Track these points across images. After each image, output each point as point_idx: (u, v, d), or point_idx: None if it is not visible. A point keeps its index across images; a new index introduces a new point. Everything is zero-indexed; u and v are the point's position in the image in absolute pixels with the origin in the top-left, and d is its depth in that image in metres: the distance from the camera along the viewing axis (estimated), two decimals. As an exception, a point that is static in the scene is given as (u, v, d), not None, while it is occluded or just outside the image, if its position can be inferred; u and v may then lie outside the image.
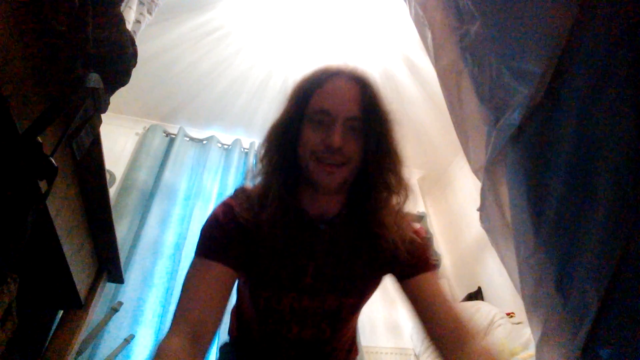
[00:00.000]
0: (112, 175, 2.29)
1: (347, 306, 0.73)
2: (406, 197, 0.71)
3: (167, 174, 2.38)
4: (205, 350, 0.59)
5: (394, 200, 0.69)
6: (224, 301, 0.64)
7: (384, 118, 0.66)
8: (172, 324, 0.60)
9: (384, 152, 0.66)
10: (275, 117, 0.73)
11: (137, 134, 2.64)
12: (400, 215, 0.70)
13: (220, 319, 0.63)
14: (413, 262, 0.72)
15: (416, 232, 0.75)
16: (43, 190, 0.53)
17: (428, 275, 0.73)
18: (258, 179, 0.72)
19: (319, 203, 0.70)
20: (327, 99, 0.64)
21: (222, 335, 0.93)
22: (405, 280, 0.73)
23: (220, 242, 0.67)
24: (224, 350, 0.89)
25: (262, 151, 0.73)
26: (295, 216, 0.68)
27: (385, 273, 0.76)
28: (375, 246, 0.69)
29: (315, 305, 0.71)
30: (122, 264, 1.26)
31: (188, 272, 0.66)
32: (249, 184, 0.74)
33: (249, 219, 0.66)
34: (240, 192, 0.73)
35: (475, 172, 0.75)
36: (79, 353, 1.47)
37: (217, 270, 0.64)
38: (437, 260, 2.69)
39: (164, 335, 0.59)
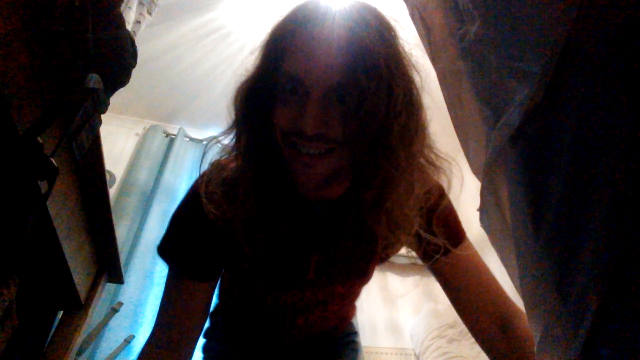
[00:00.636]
0: (112, 175, 2.29)
1: (354, 285, 0.66)
2: (432, 172, 0.50)
3: (167, 175, 2.38)
4: (187, 356, 0.57)
5: (406, 177, 0.51)
6: (204, 314, 0.60)
7: (392, 74, 0.44)
8: (151, 336, 0.57)
9: (396, 125, 0.45)
10: (248, 70, 0.52)
11: (137, 134, 2.64)
12: (412, 203, 0.54)
13: (200, 329, 0.60)
14: (434, 241, 0.60)
15: (439, 201, 0.60)
16: (43, 191, 0.53)
17: (456, 252, 0.62)
18: (231, 152, 0.54)
19: (309, 176, 0.51)
20: (298, 61, 0.43)
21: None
22: (428, 261, 0.62)
23: (192, 257, 0.56)
24: (214, 319, 0.82)
25: (233, 121, 0.53)
26: (288, 202, 0.52)
27: (397, 248, 0.64)
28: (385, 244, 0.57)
29: (321, 295, 0.63)
30: (122, 265, 1.26)
31: (166, 283, 0.59)
32: (225, 159, 0.56)
33: (220, 216, 0.50)
34: (214, 174, 0.55)
35: (475, 172, 0.75)
36: (79, 353, 1.47)
37: (195, 288, 0.57)
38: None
39: (145, 344, 0.57)
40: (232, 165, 0.54)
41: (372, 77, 0.41)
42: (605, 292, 0.39)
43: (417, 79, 0.50)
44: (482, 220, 0.76)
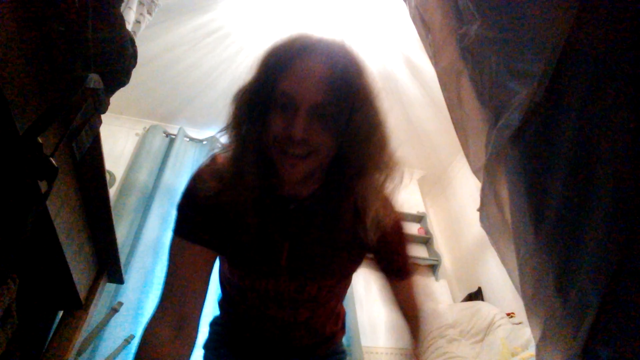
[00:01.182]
0: (112, 175, 2.29)
1: (325, 287, 0.71)
2: (391, 176, 0.62)
3: (167, 174, 2.39)
4: (191, 337, 0.61)
5: (378, 180, 0.62)
6: (205, 281, 0.65)
7: (361, 100, 0.57)
8: (157, 307, 0.61)
9: (361, 138, 0.57)
10: (246, 79, 0.64)
11: (137, 134, 2.64)
12: (384, 198, 0.65)
13: (203, 299, 0.64)
14: (394, 265, 0.78)
15: (398, 221, 0.74)
16: (43, 191, 0.53)
17: (405, 282, 0.80)
18: (227, 148, 0.65)
19: (293, 171, 0.59)
20: (292, 82, 0.56)
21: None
22: (384, 276, 0.81)
23: (195, 222, 0.64)
24: (213, 328, 0.88)
25: (230, 119, 0.65)
26: (265, 195, 0.63)
27: (365, 254, 0.73)
28: (355, 226, 0.65)
29: (293, 290, 0.69)
30: (122, 265, 1.26)
31: (170, 251, 0.65)
32: (220, 153, 0.68)
33: (211, 198, 0.61)
34: (208, 164, 0.69)
35: (475, 172, 0.75)
36: (79, 353, 1.47)
37: (195, 251, 0.63)
38: (437, 260, 2.70)
39: (150, 320, 0.60)
40: (224, 159, 0.65)
41: (342, 102, 0.56)
42: (605, 292, 0.39)
43: (379, 104, 0.60)
44: (482, 220, 0.76)
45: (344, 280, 0.78)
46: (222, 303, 0.86)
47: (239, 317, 0.80)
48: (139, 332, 1.75)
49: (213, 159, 0.69)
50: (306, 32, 0.61)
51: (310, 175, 0.61)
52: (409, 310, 0.81)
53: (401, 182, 0.64)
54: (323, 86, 0.55)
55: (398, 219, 0.73)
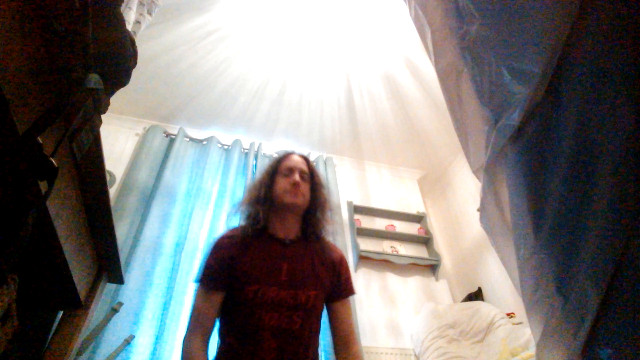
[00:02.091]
0: (112, 175, 2.29)
1: (312, 297, 1.02)
2: (333, 229, 1.19)
3: (167, 174, 2.39)
4: (208, 345, 0.98)
5: (328, 230, 1.15)
6: (218, 311, 1.01)
7: (317, 179, 1.19)
8: (190, 328, 0.98)
9: (318, 198, 1.15)
10: (254, 180, 1.21)
11: (137, 134, 2.64)
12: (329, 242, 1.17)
13: (215, 321, 1.01)
14: (343, 289, 1.11)
15: (343, 259, 1.17)
16: (43, 191, 0.53)
17: (345, 301, 1.11)
18: (240, 219, 1.13)
19: (285, 227, 1.09)
20: (290, 162, 1.15)
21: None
22: (332, 302, 1.09)
23: (217, 275, 1.01)
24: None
25: (246, 202, 1.14)
26: (268, 238, 1.07)
27: (331, 275, 1.10)
28: (322, 258, 1.10)
29: (290, 296, 1.00)
30: (122, 264, 1.26)
31: (196, 293, 1.02)
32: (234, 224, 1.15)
33: (236, 246, 1.04)
34: (224, 233, 1.11)
35: (475, 172, 0.75)
36: (79, 353, 1.47)
37: (215, 295, 1.00)
38: (437, 261, 2.70)
39: (186, 335, 0.97)
40: (236, 229, 1.12)
41: (311, 173, 1.19)
42: (605, 292, 0.39)
43: (324, 189, 1.21)
44: (482, 220, 0.76)
45: (323, 291, 1.06)
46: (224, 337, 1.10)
47: (239, 340, 1.02)
48: (140, 333, 1.75)
49: (228, 230, 1.13)
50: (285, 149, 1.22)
51: (301, 207, 1.11)
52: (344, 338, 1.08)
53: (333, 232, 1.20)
54: (304, 165, 1.17)
55: (341, 255, 1.18)
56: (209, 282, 1.01)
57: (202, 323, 0.97)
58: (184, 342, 0.96)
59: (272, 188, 1.11)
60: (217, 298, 1.00)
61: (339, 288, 1.10)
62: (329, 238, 1.17)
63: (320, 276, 1.06)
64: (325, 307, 1.10)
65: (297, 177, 1.09)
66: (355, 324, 2.17)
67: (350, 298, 1.15)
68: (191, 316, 1.00)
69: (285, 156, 1.18)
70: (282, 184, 1.10)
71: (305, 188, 1.11)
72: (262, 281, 0.99)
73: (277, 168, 1.15)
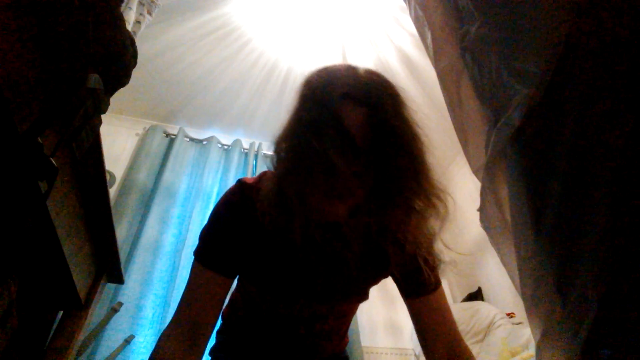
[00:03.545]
0: (112, 175, 2.29)
1: (353, 304, 0.79)
2: (432, 206, 0.61)
3: (167, 174, 2.38)
4: (200, 352, 0.63)
5: (413, 216, 0.61)
6: (219, 305, 0.67)
7: (401, 135, 0.59)
8: (170, 323, 0.65)
9: (399, 172, 0.58)
10: (294, 110, 0.66)
11: (137, 134, 2.64)
12: (419, 232, 0.64)
13: (214, 321, 0.67)
14: (421, 281, 0.71)
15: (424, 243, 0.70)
16: (43, 191, 0.53)
17: (435, 295, 0.74)
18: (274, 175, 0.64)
19: (328, 209, 0.60)
20: (341, 130, 0.59)
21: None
22: (411, 297, 0.75)
23: (218, 251, 0.67)
24: (219, 336, 0.88)
25: (283, 145, 0.64)
26: (302, 224, 0.62)
27: (388, 275, 0.76)
28: (384, 259, 0.67)
29: (325, 310, 0.73)
30: (122, 264, 1.26)
31: (190, 273, 0.68)
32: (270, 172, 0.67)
33: (268, 222, 0.61)
34: (237, 190, 0.69)
35: (475, 172, 0.75)
36: (79, 353, 1.47)
37: (213, 278, 0.66)
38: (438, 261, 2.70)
39: (162, 334, 0.64)
40: (257, 183, 0.67)
41: (384, 143, 0.56)
42: (605, 292, 0.39)
43: (420, 132, 0.62)
44: (482, 220, 0.76)
45: (367, 297, 0.80)
46: (229, 317, 0.86)
47: (253, 334, 0.79)
48: (140, 333, 1.75)
49: (240, 184, 0.70)
50: (339, 67, 0.63)
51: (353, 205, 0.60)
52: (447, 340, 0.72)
53: (446, 213, 0.62)
54: (368, 131, 0.56)
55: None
56: (209, 260, 0.67)
57: (191, 315, 0.64)
58: (157, 339, 0.64)
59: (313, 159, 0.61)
60: (220, 282, 0.67)
61: (414, 286, 0.76)
62: None
63: (372, 282, 0.77)
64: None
65: (351, 163, 0.58)
66: (355, 323, 2.17)
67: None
68: (178, 303, 0.66)
69: (334, 103, 0.59)
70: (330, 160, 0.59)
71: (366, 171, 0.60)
72: (284, 294, 0.71)
73: (323, 127, 0.59)
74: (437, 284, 0.75)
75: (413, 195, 0.59)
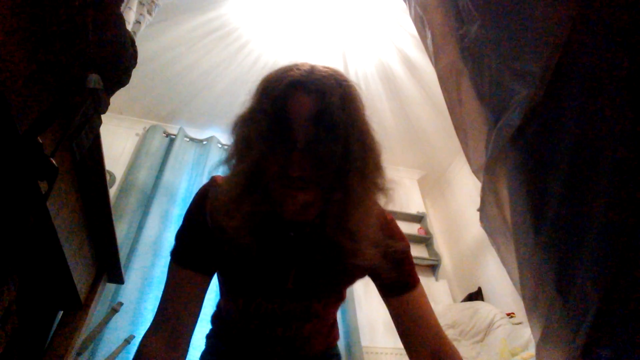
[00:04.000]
0: (112, 175, 2.29)
1: (330, 303, 0.75)
2: (381, 196, 0.63)
3: (167, 174, 2.39)
4: (183, 351, 0.65)
5: (364, 203, 0.61)
6: (198, 302, 0.68)
7: (354, 128, 0.60)
8: (151, 324, 0.66)
9: (356, 165, 0.59)
10: (245, 107, 0.68)
11: (137, 134, 2.64)
12: (371, 223, 0.63)
13: (195, 319, 0.68)
14: (396, 279, 0.70)
15: (395, 236, 0.71)
16: (43, 191, 0.53)
17: (413, 292, 0.72)
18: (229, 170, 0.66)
19: (290, 201, 0.60)
20: (287, 121, 0.60)
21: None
22: (389, 296, 0.73)
23: (191, 249, 0.68)
24: (209, 341, 0.89)
25: (232, 147, 0.66)
26: (266, 222, 0.62)
27: (365, 274, 0.74)
28: (350, 250, 0.64)
29: (299, 310, 0.72)
30: (122, 264, 1.26)
31: (168, 272, 0.69)
32: (224, 174, 0.68)
33: (217, 223, 0.60)
34: (209, 187, 0.69)
35: (475, 172, 0.75)
36: (79, 353, 1.47)
37: (189, 276, 0.67)
38: (437, 260, 2.69)
39: (146, 333, 0.66)
40: (224, 182, 0.65)
41: (337, 135, 0.56)
42: (605, 292, 0.39)
43: (372, 129, 0.63)
44: (482, 220, 0.76)
45: (344, 292, 0.79)
46: (217, 320, 0.87)
47: (238, 337, 0.80)
48: (140, 333, 1.75)
49: (208, 184, 0.70)
50: (298, 63, 0.64)
51: (310, 204, 0.60)
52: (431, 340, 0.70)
53: (390, 199, 0.64)
54: (317, 122, 0.56)
55: (395, 238, 0.71)
56: (183, 258, 0.68)
57: (170, 315, 0.65)
58: (139, 343, 0.66)
59: (262, 162, 0.61)
60: (195, 280, 0.67)
61: (390, 284, 0.74)
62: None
63: (347, 276, 0.74)
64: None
65: (295, 164, 0.57)
66: (355, 323, 2.17)
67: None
68: (157, 307, 0.67)
69: (281, 95, 0.59)
70: (273, 163, 0.60)
71: (315, 172, 0.59)
72: (255, 295, 0.71)
73: (270, 123, 0.59)
74: (415, 281, 0.73)
75: (353, 185, 0.58)
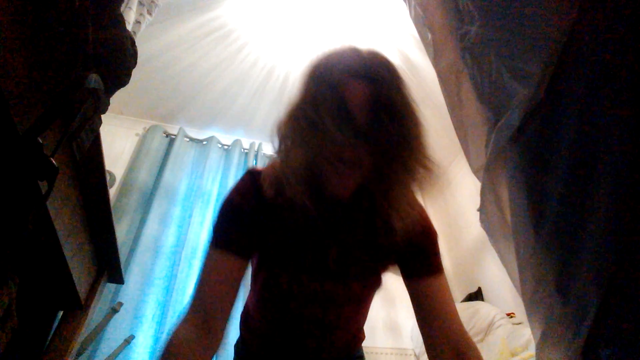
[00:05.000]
0: (112, 175, 2.29)
1: (367, 287, 0.75)
2: (426, 179, 0.65)
3: (167, 175, 2.38)
4: (217, 339, 0.63)
5: (407, 182, 0.65)
6: (234, 290, 0.67)
7: (402, 112, 0.62)
8: (186, 312, 0.64)
9: (401, 149, 0.62)
10: (296, 95, 0.69)
11: (137, 134, 2.64)
12: (412, 199, 0.67)
13: (231, 306, 0.66)
14: (422, 260, 0.73)
15: (428, 223, 0.75)
16: (43, 191, 0.53)
17: (437, 279, 0.73)
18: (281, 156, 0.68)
19: (337, 181, 0.64)
20: (341, 107, 0.63)
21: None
22: (412, 278, 0.74)
23: (232, 231, 0.68)
24: (237, 348, 0.89)
25: (281, 131, 0.68)
26: (315, 195, 0.64)
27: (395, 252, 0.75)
28: (389, 228, 0.68)
29: (341, 290, 0.71)
30: (122, 264, 1.26)
31: (204, 259, 0.68)
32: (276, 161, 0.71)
33: (270, 197, 0.65)
34: (248, 178, 0.72)
35: (475, 172, 0.75)
36: (79, 353, 1.47)
37: (228, 260, 0.66)
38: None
39: (178, 323, 0.63)
40: (265, 170, 0.70)
41: (387, 120, 0.60)
42: (605, 292, 0.39)
43: (416, 111, 0.64)
44: (482, 220, 0.76)
45: (381, 281, 0.79)
46: (246, 328, 0.86)
47: (272, 329, 0.79)
48: (140, 333, 1.75)
49: (250, 172, 0.73)
50: (346, 47, 0.66)
51: (355, 184, 0.64)
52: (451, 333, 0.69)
53: (433, 183, 0.66)
54: (369, 108, 0.60)
55: (428, 225, 0.75)
56: (223, 241, 0.67)
57: (205, 300, 0.64)
58: (171, 328, 0.63)
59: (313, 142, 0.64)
60: (232, 261, 0.66)
61: (417, 264, 0.76)
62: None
63: (384, 260, 0.75)
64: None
65: (348, 146, 0.61)
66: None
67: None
68: (192, 293, 0.67)
69: (335, 81, 0.62)
70: (326, 144, 0.61)
71: (365, 155, 0.63)
72: (298, 270, 0.70)
73: (322, 108, 0.61)
74: (439, 268, 0.75)
75: (405, 167, 0.62)
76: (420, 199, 0.72)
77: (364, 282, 0.74)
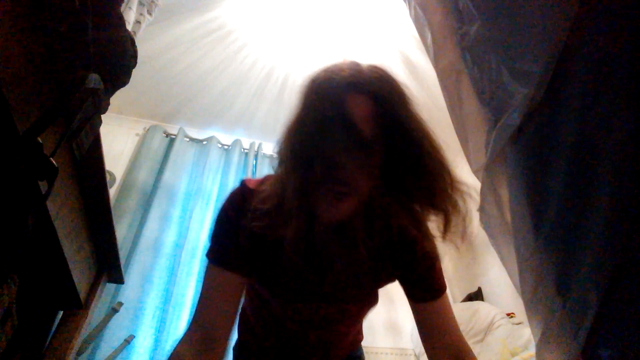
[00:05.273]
0: (112, 175, 2.29)
1: (365, 305, 0.77)
2: (448, 208, 0.62)
3: (167, 175, 2.38)
4: (219, 356, 0.63)
5: (407, 204, 0.61)
6: (234, 305, 0.67)
7: (407, 130, 0.59)
8: (188, 326, 0.65)
9: (406, 169, 0.58)
10: (294, 111, 0.66)
11: (137, 134, 2.64)
12: (416, 221, 0.64)
13: (232, 322, 0.66)
14: (424, 287, 0.73)
15: (430, 247, 0.70)
16: (43, 191, 0.53)
17: (438, 301, 0.74)
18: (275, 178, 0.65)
19: (333, 208, 0.59)
20: (335, 127, 0.58)
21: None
22: (415, 302, 0.75)
23: (229, 249, 0.66)
24: (235, 352, 0.89)
25: (282, 152, 0.64)
26: (309, 225, 0.61)
27: (395, 278, 0.76)
28: (392, 256, 0.69)
29: (336, 312, 0.72)
30: (122, 264, 1.26)
31: (204, 276, 0.68)
32: (263, 179, 0.69)
33: (263, 228, 0.61)
34: (240, 191, 0.69)
35: (475, 172, 0.75)
36: (79, 353, 1.47)
37: (227, 277, 0.66)
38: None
39: (179, 340, 0.63)
40: (269, 190, 0.63)
41: (387, 138, 0.57)
42: (605, 292, 0.39)
43: (430, 129, 0.63)
44: (482, 220, 0.76)
45: (377, 299, 0.80)
46: (244, 331, 0.86)
47: (268, 344, 0.80)
48: (140, 333, 1.75)
49: (243, 184, 0.70)
50: (345, 62, 0.62)
51: (349, 210, 0.60)
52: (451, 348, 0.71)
53: (466, 211, 0.63)
54: (374, 123, 0.56)
55: (427, 241, 0.70)
56: (221, 259, 0.67)
57: (205, 318, 0.63)
58: (171, 348, 0.63)
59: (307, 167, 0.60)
60: (233, 280, 0.66)
61: (420, 290, 0.76)
62: None
63: (382, 281, 0.75)
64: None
65: (341, 169, 0.57)
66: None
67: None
68: (193, 311, 0.67)
69: (330, 97, 0.58)
70: (318, 168, 0.59)
71: (360, 179, 0.60)
72: (292, 297, 0.70)
73: (316, 128, 0.58)
74: (443, 289, 0.75)
75: (405, 187, 0.58)
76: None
77: (361, 304, 0.75)
